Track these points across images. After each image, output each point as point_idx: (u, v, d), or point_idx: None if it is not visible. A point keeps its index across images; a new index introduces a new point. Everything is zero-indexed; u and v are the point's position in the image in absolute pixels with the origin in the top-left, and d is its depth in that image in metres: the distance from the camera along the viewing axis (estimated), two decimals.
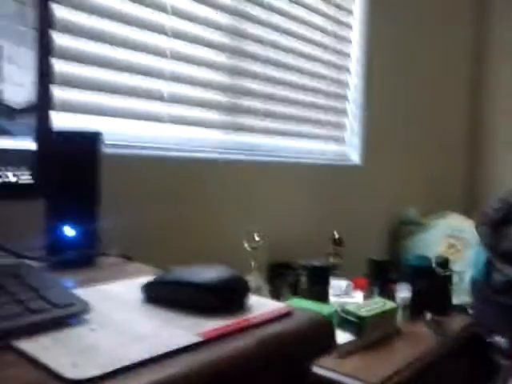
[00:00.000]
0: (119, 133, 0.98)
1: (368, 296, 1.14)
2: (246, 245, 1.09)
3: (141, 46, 1.01)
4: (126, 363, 0.35)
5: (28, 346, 0.37)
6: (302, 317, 0.49)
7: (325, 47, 1.53)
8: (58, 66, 0.87)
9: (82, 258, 0.65)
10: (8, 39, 0.56)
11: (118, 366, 0.35)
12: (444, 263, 1.24)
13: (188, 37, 1.10)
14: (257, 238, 1.10)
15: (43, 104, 0.60)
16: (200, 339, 0.40)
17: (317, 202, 1.49)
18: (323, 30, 1.52)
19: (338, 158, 1.65)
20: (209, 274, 0.48)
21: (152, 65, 1.03)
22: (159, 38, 1.04)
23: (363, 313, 0.96)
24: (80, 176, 0.67)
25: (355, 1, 1.64)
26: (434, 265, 1.23)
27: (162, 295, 0.49)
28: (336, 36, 1.58)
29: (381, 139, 1.77)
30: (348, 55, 1.64)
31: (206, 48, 1.15)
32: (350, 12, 1.63)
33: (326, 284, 1.11)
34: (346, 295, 1.19)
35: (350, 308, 0.98)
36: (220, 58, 1.19)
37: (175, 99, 1.09)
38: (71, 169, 0.66)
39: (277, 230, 1.28)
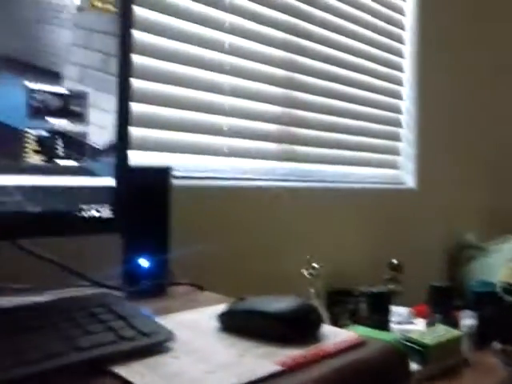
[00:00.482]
0: (186, 166, 1.03)
1: (430, 324, 1.11)
2: (305, 272, 1.10)
3: (201, 84, 1.06)
4: None
5: (123, 371, 0.41)
6: (376, 346, 0.49)
7: (376, 75, 1.55)
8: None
9: (155, 288, 0.69)
10: (93, 86, 0.61)
11: None
12: (511, 289, 1.19)
13: (244, 71, 1.15)
14: (315, 266, 1.11)
15: (122, 144, 0.65)
16: (280, 368, 0.42)
17: (372, 227, 1.48)
18: (375, 57, 1.55)
19: (392, 182, 1.65)
20: (282, 303, 0.50)
21: (212, 100, 1.09)
22: (217, 75, 1.10)
23: (427, 341, 0.95)
24: (152, 209, 0.71)
25: (406, 16, 1.66)
26: (499, 291, 1.19)
27: (237, 324, 0.51)
28: (386, 64, 1.60)
29: (436, 162, 1.75)
30: (400, 81, 1.65)
31: (261, 82, 1.19)
32: (399, 49, 1.65)
33: (387, 311, 1.10)
34: (407, 323, 1.17)
35: (413, 336, 0.97)
36: (274, 89, 1.23)
37: (234, 132, 1.13)
38: (144, 202, 0.70)
39: (333, 257, 1.28)
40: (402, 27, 1.67)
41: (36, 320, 0.46)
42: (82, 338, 0.43)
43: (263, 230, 1.15)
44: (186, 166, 1.04)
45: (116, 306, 0.51)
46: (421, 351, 0.94)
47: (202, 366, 0.42)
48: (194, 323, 0.54)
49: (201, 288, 0.73)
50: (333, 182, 1.39)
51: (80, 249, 0.72)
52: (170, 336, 0.46)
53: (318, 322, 0.50)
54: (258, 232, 1.14)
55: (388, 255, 1.35)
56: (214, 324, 0.53)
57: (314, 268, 1.11)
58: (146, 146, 0.98)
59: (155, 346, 0.45)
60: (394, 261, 1.32)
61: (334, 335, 0.50)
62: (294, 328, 0.48)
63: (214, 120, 1.09)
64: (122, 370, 0.41)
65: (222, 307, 0.56)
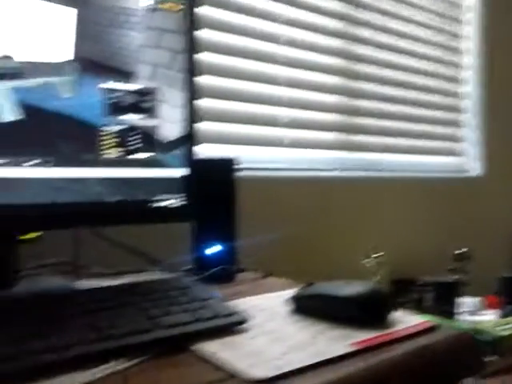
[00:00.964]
0: (249, 157, 1.06)
1: (504, 314, 1.07)
2: (367, 261, 1.10)
3: (260, 76, 1.08)
4: (295, 367, 0.39)
5: (203, 348, 0.43)
6: (448, 333, 0.49)
7: (438, 60, 1.51)
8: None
9: (224, 274, 0.71)
10: (163, 83, 0.65)
11: (288, 369, 0.38)
12: None
13: (301, 62, 1.16)
14: (378, 254, 1.10)
15: (190, 136, 0.68)
16: (353, 349, 0.43)
17: (436, 216, 1.44)
18: (434, 43, 1.50)
19: (456, 170, 1.59)
20: (355, 287, 0.50)
21: (271, 92, 1.10)
22: (274, 67, 1.11)
23: (499, 332, 0.92)
24: (220, 198, 0.74)
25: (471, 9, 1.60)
26: None
27: (309, 307, 0.53)
28: (447, 48, 1.54)
29: (504, 147, 1.67)
30: (462, 65, 1.59)
31: (319, 72, 1.19)
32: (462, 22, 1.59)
33: (453, 302, 1.08)
34: (475, 314, 1.13)
35: (484, 327, 0.94)
36: (334, 79, 1.22)
37: (293, 123, 1.14)
38: (212, 192, 0.73)
39: (396, 246, 1.26)
40: (462, 8, 1.60)
41: (118, 299, 0.49)
42: (163, 317, 0.46)
43: (325, 219, 1.16)
44: (248, 158, 1.06)
45: (192, 288, 0.54)
46: (492, 342, 0.91)
47: (278, 345, 0.44)
48: (266, 307, 0.56)
49: (267, 275, 0.75)
50: (395, 171, 1.36)
51: (153, 236, 0.76)
52: (245, 317, 0.48)
53: (390, 306, 0.50)
54: (320, 221, 1.15)
55: (453, 245, 1.32)
56: (285, 308, 0.55)
57: (377, 257, 1.10)
58: (211, 138, 1.01)
59: (232, 326, 0.47)
60: (461, 250, 1.28)
61: (405, 320, 0.51)
62: (366, 311, 0.48)
63: (273, 112, 1.10)
64: (201, 348, 0.43)
65: (290, 292, 0.58)
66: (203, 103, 0.99)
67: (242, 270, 0.75)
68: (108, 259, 0.70)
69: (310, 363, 0.40)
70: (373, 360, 0.42)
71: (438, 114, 1.52)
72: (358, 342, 0.44)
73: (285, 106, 1.12)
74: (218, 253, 0.73)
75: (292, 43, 1.14)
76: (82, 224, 0.64)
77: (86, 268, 0.71)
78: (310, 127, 1.17)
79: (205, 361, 0.42)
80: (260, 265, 0.78)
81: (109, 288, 0.54)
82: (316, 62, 1.19)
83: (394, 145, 1.39)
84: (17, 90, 0.54)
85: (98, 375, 0.38)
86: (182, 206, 0.67)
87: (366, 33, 1.31)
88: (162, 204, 0.65)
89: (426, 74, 1.48)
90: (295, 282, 0.69)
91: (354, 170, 1.26)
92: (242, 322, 0.48)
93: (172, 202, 0.66)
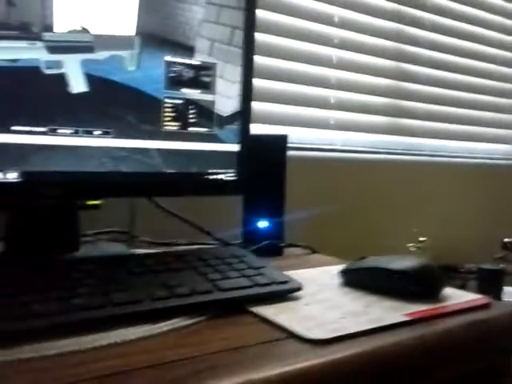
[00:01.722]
0: (296, 137, 1.07)
1: None
2: (411, 245, 1.10)
3: (310, 58, 1.08)
4: (351, 331, 0.40)
5: (260, 311, 0.45)
6: (503, 309, 0.49)
7: (495, 44, 1.46)
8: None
9: (273, 248, 0.73)
10: (221, 58, 0.66)
11: (344, 332, 0.40)
12: None
13: (352, 44, 1.15)
14: (422, 239, 1.10)
15: (246, 112, 0.69)
16: (408, 319, 0.44)
17: (484, 203, 1.41)
18: (490, 25, 1.45)
19: (506, 156, 1.55)
20: (407, 261, 0.51)
21: (319, 73, 1.10)
22: (325, 48, 1.11)
23: None
24: (270, 174, 0.75)
25: None
26: None
27: (360, 280, 0.54)
28: (505, 31, 1.49)
29: None
30: None
31: (369, 54, 1.18)
32: None
33: (499, 290, 1.06)
34: None
35: None
36: (384, 62, 1.21)
37: (341, 105, 1.14)
38: (263, 168, 0.74)
39: (442, 232, 1.25)
40: None
41: (180, 263, 0.52)
42: (222, 281, 0.48)
43: (370, 202, 1.16)
44: (298, 138, 1.07)
45: (247, 257, 0.56)
46: None
47: (333, 312, 0.45)
48: (316, 279, 0.57)
49: (314, 251, 0.76)
50: (442, 156, 1.34)
51: (205, 209, 0.78)
52: (299, 285, 0.50)
53: (443, 280, 0.51)
54: (364, 204, 1.15)
55: (501, 233, 1.29)
56: (336, 280, 0.56)
57: (420, 242, 1.09)
58: (260, 118, 1.02)
59: (287, 293, 0.49)
60: (510, 239, 1.26)
61: (458, 296, 0.51)
62: (422, 285, 0.49)
63: (321, 93, 1.10)
64: (258, 310, 0.45)
65: (339, 267, 0.59)
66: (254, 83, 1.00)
67: (290, 246, 0.76)
68: (161, 230, 0.73)
69: (366, 329, 0.41)
70: (427, 330, 0.43)
71: (491, 99, 1.48)
72: (412, 313, 0.45)
73: (334, 88, 1.12)
74: (267, 227, 0.75)
75: (345, 25, 1.13)
76: (140, 193, 0.67)
77: (141, 237, 0.74)
78: (359, 110, 1.17)
79: (263, 322, 0.44)
80: (306, 242, 0.79)
81: (170, 253, 0.56)
82: (369, 44, 1.18)
83: (444, 130, 1.37)
84: (86, 62, 0.57)
85: (166, 329, 0.41)
86: (235, 180, 0.68)
87: (419, 14, 1.28)
88: (216, 177, 0.67)
89: (481, 57, 1.44)
90: (341, 259, 0.70)
91: (402, 154, 1.25)
92: (297, 290, 0.50)
93: (225, 175, 0.68)
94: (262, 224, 0.74)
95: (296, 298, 0.49)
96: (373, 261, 0.54)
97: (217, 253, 0.56)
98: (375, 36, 1.19)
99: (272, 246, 0.72)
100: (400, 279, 0.50)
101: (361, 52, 1.16)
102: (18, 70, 0.54)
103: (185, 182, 0.65)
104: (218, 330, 0.42)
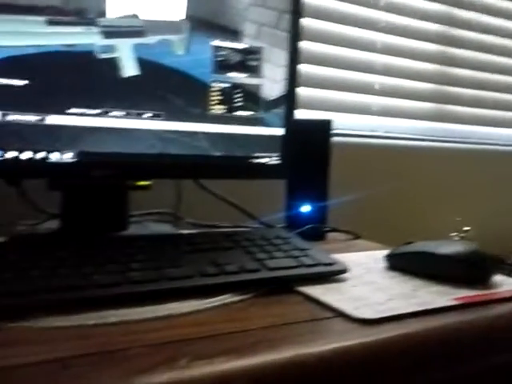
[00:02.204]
0: (339, 123, 1.06)
1: None
2: (454, 235, 1.08)
3: (354, 42, 1.07)
4: (400, 312, 0.40)
5: (307, 291, 0.46)
6: None
7: None
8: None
9: (316, 233, 0.73)
10: (267, 42, 0.66)
11: (393, 313, 0.40)
12: None
13: (398, 28, 1.12)
14: (465, 229, 1.07)
15: (291, 97, 0.70)
16: (457, 303, 0.44)
17: None
18: None
19: None
20: (455, 246, 0.51)
21: (364, 58, 1.09)
22: (371, 33, 1.09)
23: None
24: (314, 158, 0.76)
25: None
26: None
27: (406, 265, 0.53)
28: None
29: None
30: None
31: (415, 38, 1.15)
32: None
33: None
34: None
35: None
36: (430, 46, 1.18)
37: (386, 91, 1.12)
38: (307, 152, 0.75)
39: (485, 221, 1.22)
40: None
41: (227, 242, 0.53)
42: (269, 260, 0.49)
43: (412, 189, 1.15)
44: (341, 124, 1.06)
45: (292, 239, 0.57)
46: None
47: (380, 294, 0.45)
48: (361, 262, 0.58)
49: (357, 236, 0.76)
50: (489, 144, 1.30)
51: (249, 192, 0.79)
52: (345, 267, 0.50)
53: (493, 266, 0.50)
54: (406, 191, 1.13)
55: None
56: (381, 264, 0.56)
57: (464, 231, 1.07)
58: (304, 104, 1.02)
59: (333, 274, 0.50)
60: None
61: (509, 283, 0.50)
62: (472, 270, 0.49)
63: (365, 78, 1.09)
64: (305, 290, 0.46)
65: (383, 252, 0.59)
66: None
67: (333, 231, 0.76)
68: (205, 212, 0.75)
69: (415, 310, 0.41)
70: (478, 315, 0.43)
71: None
72: (461, 297, 0.45)
73: (379, 73, 1.10)
74: (310, 212, 0.75)
75: (391, 8, 1.11)
76: (187, 175, 0.69)
77: (185, 219, 0.76)
78: (403, 96, 1.15)
79: (310, 301, 0.44)
80: (348, 228, 0.79)
81: (217, 233, 0.58)
82: (414, 28, 1.15)
83: (491, 117, 1.32)
84: (137, 47, 0.59)
85: (215, 304, 0.42)
86: (279, 164, 0.69)
87: None
88: (260, 161, 0.68)
89: None
90: (384, 245, 0.70)
91: (447, 141, 1.22)
92: (343, 271, 0.50)
93: (270, 159, 0.68)
94: (305, 208, 0.75)
95: (342, 280, 0.50)
96: (420, 246, 0.54)
97: (263, 234, 0.57)
98: (421, 19, 1.16)
99: (315, 231, 0.73)
100: (449, 264, 0.49)
101: (406, 36, 1.14)
102: (74, 54, 0.56)
103: (230, 165, 0.66)
104: (265, 307, 0.43)
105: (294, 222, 0.74)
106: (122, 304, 0.40)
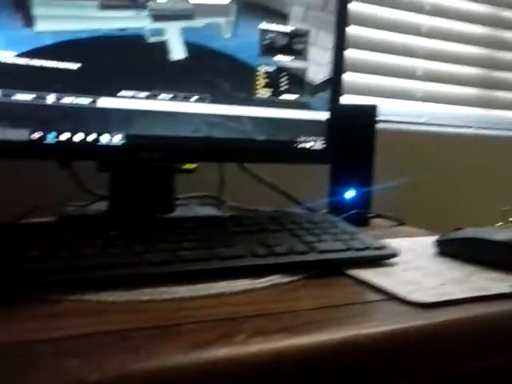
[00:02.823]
0: (383, 108, 1.04)
1: None
2: (500, 224, 1.04)
3: (397, 26, 1.04)
4: (455, 297, 0.40)
5: (357, 274, 0.45)
6: None
7: None
8: None
9: (360, 218, 0.73)
10: (314, 25, 0.66)
11: (449, 298, 0.39)
12: None
13: (444, 11, 1.09)
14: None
15: (336, 80, 0.69)
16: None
17: None
18: None
19: None
20: (507, 233, 0.49)
21: (407, 43, 1.06)
22: (414, 16, 1.06)
23: None
24: (359, 143, 0.74)
25: None
26: None
27: (457, 251, 0.52)
28: None
29: None
30: None
31: (462, 20, 1.11)
32: None
33: None
34: None
35: None
36: (476, 30, 1.14)
37: (429, 76, 1.09)
38: (352, 137, 0.74)
39: None
40: None
41: (275, 225, 0.53)
42: (318, 243, 0.49)
43: (457, 177, 1.12)
44: (383, 110, 1.04)
45: (338, 223, 0.56)
46: None
47: (433, 279, 0.45)
48: (410, 248, 0.57)
49: (402, 223, 0.75)
50: None
51: (292, 177, 0.79)
52: (395, 252, 0.50)
53: None
54: (451, 178, 1.11)
55: None
56: (430, 250, 0.55)
57: (511, 222, 1.03)
58: (347, 89, 1.00)
59: (383, 258, 0.49)
60: None
61: None
62: None
63: (408, 63, 1.06)
64: (355, 273, 0.45)
65: (431, 238, 0.58)
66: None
67: (378, 217, 0.75)
68: (248, 196, 0.75)
69: (471, 296, 0.40)
70: None
71: None
72: None
73: (422, 57, 1.07)
74: (353, 198, 0.74)
75: None
76: (232, 159, 0.69)
77: (228, 203, 0.77)
78: (447, 81, 1.11)
79: (360, 284, 0.44)
80: (391, 214, 0.78)
81: (264, 215, 0.58)
82: (461, 9, 1.11)
83: None
84: (185, 30, 0.59)
85: (266, 284, 0.42)
86: (324, 148, 0.68)
87: None
88: (305, 145, 0.67)
89: None
90: (429, 231, 0.68)
91: (493, 128, 1.18)
92: (393, 256, 0.49)
93: (314, 144, 0.68)
94: (349, 194, 0.74)
95: (391, 265, 0.49)
96: (470, 232, 0.52)
97: (309, 217, 0.57)
98: (469, 0, 1.12)
99: (359, 216, 0.72)
100: (502, 250, 0.48)
101: (452, 18, 1.10)
102: (125, 38, 0.57)
103: (274, 149, 0.66)
104: (315, 289, 0.43)
105: (338, 208, 0.73)
106: (173, 282, 0.40)
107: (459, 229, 0.55)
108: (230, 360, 0.30)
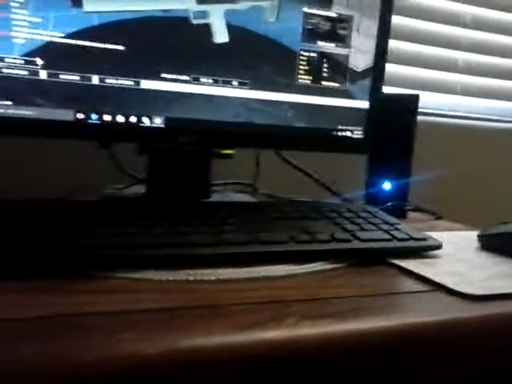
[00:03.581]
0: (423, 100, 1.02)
1: None
2: None
3: (439, 16, 1.01)
4: (505, 291, 0.38)
5: (401, 263, 0.44)
6: None
7: None
8: None
9: (397, 211, 0.71)
10: (357, 10, 0.64)
11: (498, 291, 0.38)
12: None
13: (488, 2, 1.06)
14: None
15: (378, 69, 0.67)
16: None
17: None
18: None
19: None
20: None
21: (450, 34, 1.03)
22: (457, 6, 1.03)
23: None
24: (398, 135, 0.73)
25: None
26: None
27: (502, 245, 0.51)
28: None
29: None
30: None
31: (506, 11, 1.08)
32: None
33: None
34: None
35: None
36: None
37: (470, 69, 1.06)
38: (392, 127, 0.72)
39: None
40: None
41: (316, 213, 0.52)
42: (360, 232, 0.48)
43: (495, 173, 1.09)
44: (423, 102, 1.02)
45: (378, 213, 0.55)
46: None
47: (479, 272, 0.43)
48: (452, 241, 0.55)
49: (440, 216, 0.73)
50: None
51: (329, 166, 0.78)
52: (439, 243, 0.49)
53: None
54: (489, 175, 1.08)
55: None
56: (473, 244, 0.54)
57: None
58: (386, 80, 0.98)
59: (427, 249, 0.48)
60: None
61: None
62: None
63: (449, 55, 1.04)
64: (399, 263, 0.44)
65: (472, 233, 0.56)
66: None
67: (416, 210, 0.74)
68: (283, 184, 0.75)
69: None
70: None
71: None
72: None
73: (464, 50, 1.05)
74: (391, 190, 0.73)
75: None
76: (269, 146, 0.69)
77: (263, 190, 0.76)
78: (489, 74, 1.08)
79: (404, 274, 0.43)
80: (428, 207, 0.76)
81: (304, 203, 0.57)
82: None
83: None
84: (229, 12, 0.58)
85: (309, 270, 0.42)
86: (362, 138, 0.67)
87: None
88: (344, 134, 0.66)
89: None
90: (467, 226, 0.67)
91: None
92: (436, 247, 0.48)
93: (353, 133, 0.67)
94: (387, 185, 0.73)
95: (435, 256, 0.48)
96: None
97: (349, 207, 0.56)
98: None
99: (396, 208, 0.70)
100: None
101: (495, 8, 1.07)
102: (169, 19, 0.56)
103: (313, 136, 0.65)
104: (359, 277, 0.42)
105: (374, 199, 0.72)
106: (216, 264, 0.40)
107: (505, 223, 0.53)
108: (280, 343, 0.30)
